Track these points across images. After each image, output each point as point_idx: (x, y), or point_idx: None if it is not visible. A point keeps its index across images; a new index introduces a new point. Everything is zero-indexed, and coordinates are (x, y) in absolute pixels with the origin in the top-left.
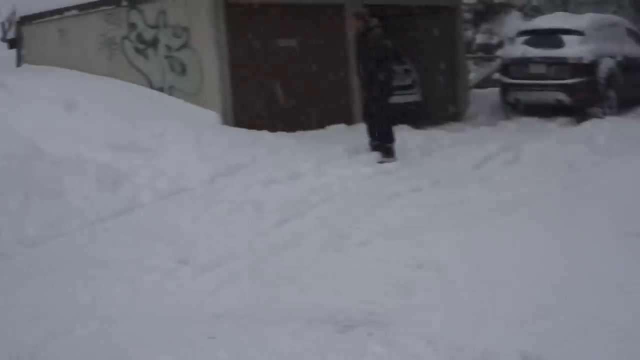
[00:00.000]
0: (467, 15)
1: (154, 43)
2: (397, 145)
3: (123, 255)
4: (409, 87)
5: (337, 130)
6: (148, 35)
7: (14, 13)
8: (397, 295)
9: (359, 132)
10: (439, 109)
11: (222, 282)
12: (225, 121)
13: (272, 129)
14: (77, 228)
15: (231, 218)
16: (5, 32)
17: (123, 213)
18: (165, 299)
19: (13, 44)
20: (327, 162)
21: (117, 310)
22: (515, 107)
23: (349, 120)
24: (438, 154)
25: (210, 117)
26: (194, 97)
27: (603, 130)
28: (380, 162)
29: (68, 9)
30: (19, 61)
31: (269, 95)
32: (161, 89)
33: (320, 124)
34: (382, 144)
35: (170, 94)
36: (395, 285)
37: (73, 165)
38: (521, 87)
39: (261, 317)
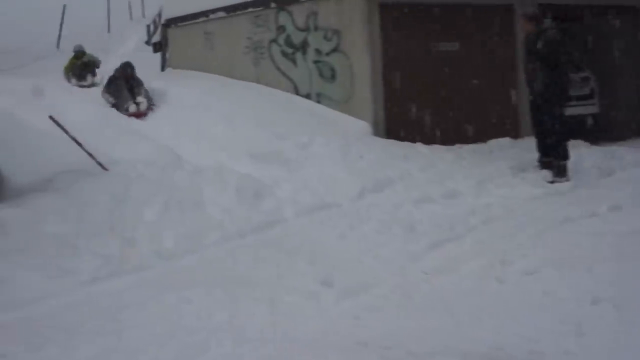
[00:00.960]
0: None
1: (302, 47)
2: (571, 163)
3: (263, 273)
4: (587, 97)
5: (500, 144)
6: (297, 38)
7: (159, 15)
8: (566, 334)
9: (526, 147)
10: (623, 122)
11: (368, 308)
12: (377, 132)
13: (428, 141)
14: (216, 242)
15: (380, 238)
16: (150, 35)
17: (264, 228)
18: (306, 323)
19: (157, 47)
20: (489, 180)
21: (253, 331)
22: None
23: (514, 134)
24: (620, 175)
25: (360, 127)
26: (343, 105)
27: None
28: (551, 182)
29: (214, 11)
30: (163, 65)
31: (426, 103)
32: (308, 96)
33: (482, 137)
34: (554, 161)
35: (318, 102)
36: (564, 322)
37: (213, 175)
38: None
39: (410, 349)
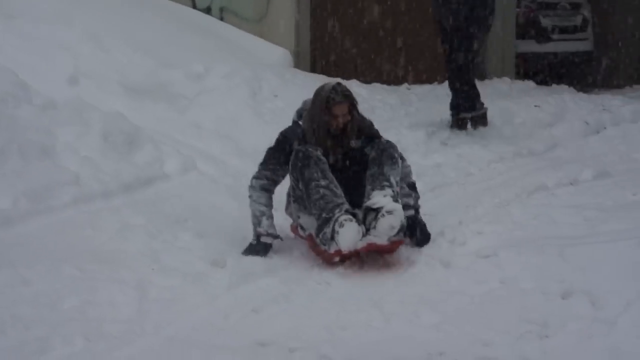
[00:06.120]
0: None
1: None
2: (551, 114)
3: (132, 247)
4: (578, 29)
5: None
6: None
7: None
8: (526, 336)
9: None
10: (625, 64)
11: (272, 297)
12: (298, 63)
13: (366, 78)
14: (70, 203)
15: None
16: None
17: (137, 186)
18: (186, 315)
19: None
20: (443, 132)
21: (114, 325)
22: None
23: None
24: (611, 132)
25: (277, 55)
26: (255, 24)
27: None
28: None
29: None
30: None
31: (367, 28)
32: (208, 10)
33: (439, 76)
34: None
35: (221, 18)
36: (525, 320)
37: (71, 112)
38: None
39: (322, 352)
